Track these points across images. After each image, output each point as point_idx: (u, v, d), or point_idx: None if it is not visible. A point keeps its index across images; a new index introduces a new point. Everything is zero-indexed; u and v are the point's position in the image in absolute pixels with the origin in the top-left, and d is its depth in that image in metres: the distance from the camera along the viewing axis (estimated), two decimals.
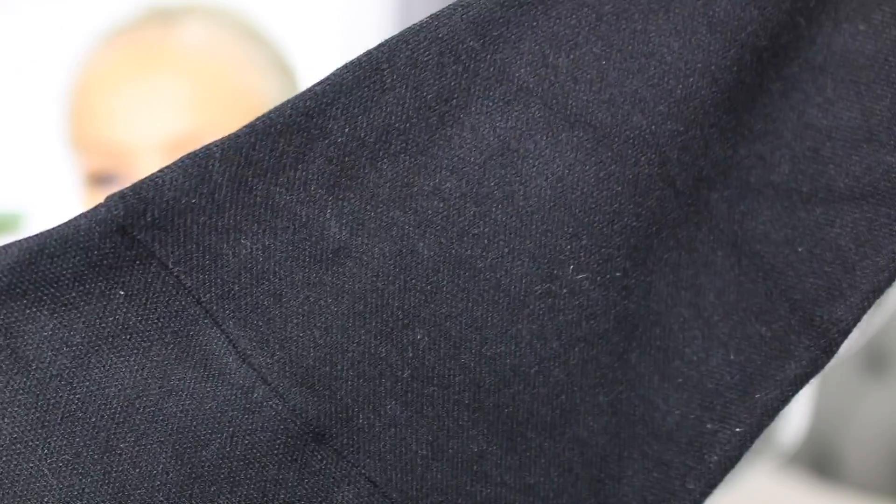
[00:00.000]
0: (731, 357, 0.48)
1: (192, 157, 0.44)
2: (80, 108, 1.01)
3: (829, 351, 0.47)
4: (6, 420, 0.44)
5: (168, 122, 0.96)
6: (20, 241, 0.44)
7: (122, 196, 0.44)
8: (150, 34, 1.00)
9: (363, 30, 1.88)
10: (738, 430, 0.47)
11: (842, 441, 1.63)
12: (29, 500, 0.44)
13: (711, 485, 0.47)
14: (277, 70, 1.03)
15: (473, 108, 0.46)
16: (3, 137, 1.77)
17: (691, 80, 0.46)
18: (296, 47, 1.10)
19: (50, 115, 1.74)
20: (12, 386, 0.44)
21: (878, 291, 0.47)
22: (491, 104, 0.46)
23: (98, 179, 0.99)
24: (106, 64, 1.00)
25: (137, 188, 0.44)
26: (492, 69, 0.46)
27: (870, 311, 0.59)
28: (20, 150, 1.78)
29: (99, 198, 1.01)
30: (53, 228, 0.44)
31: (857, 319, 0.47)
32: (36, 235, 0.44)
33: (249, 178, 0.45)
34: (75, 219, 0.44)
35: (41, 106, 1.75)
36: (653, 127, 0.46)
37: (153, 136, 0.96)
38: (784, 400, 0.47)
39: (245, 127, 0.45)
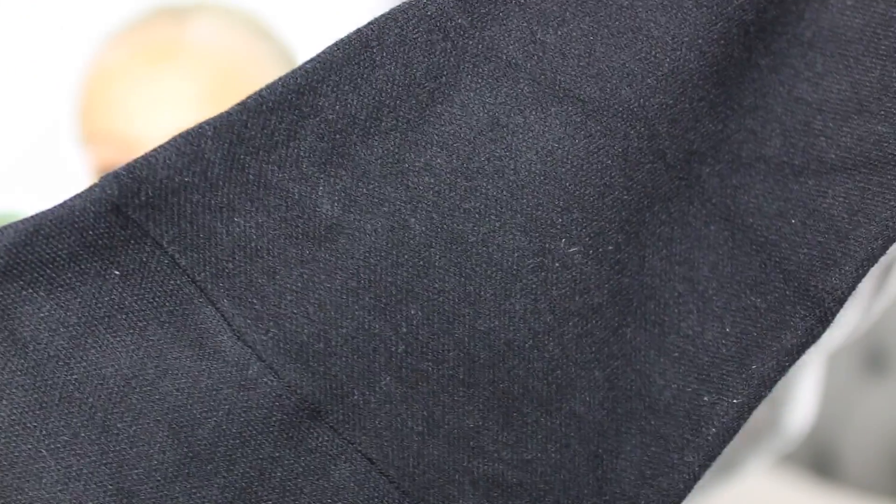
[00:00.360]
0: (727, 329, 0.48)
1: (185, 135, 0.45)
2: (92, 101, 1.02)
3: (825, 320, 0.47)
4: (4, 402, 0.44)
5: (179, 116, 0.97)
6: (16, 223, 0.44)
7: (115, 176, 0.44)
8: (161, 29, 1.01)
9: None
10: (735, 401, 0.47)
11: (841, 441, 1.62)
12: (28, 481, 0.44)
13: (710, 457, 0.47)
14: (285, 66, 1.04)
15: (463, 85, 0.46)
16: (3, 137, 1.78)
17: (678, 53, 0.47)
18: (298, 45, 1.11)
19: (51, 114, 1.74)
20: (10, 368, 0.44)
21: (871, 259, 0.47)
22: (480, 80, 0.46)
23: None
24: (117, 58, 1.01)
25: (131, 167, 0.44)
26: (480, 46, 0.46)
27: (872, 297, 0.60)
28: (20, 150, 1.78)
29: None
30: (48, 210, 0.44)
31: (852, 288, 0.47)
32: (31, 217, 0.44)
33: (242, 156, 0.45)
34: (70, 200, 0.44)
35: (42, 105, 1.75)
36: (641, 100, 0.46)
37: (164, 130, 0.97)
38: (781, 370, 0.48)
39: (237, 105, 0.45)
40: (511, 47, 0.46)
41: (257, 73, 1.01)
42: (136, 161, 0.45)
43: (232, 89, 0.99)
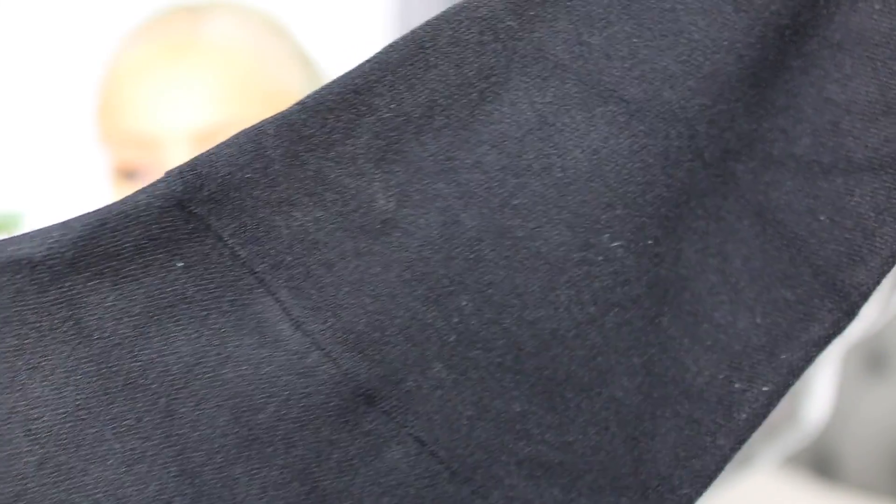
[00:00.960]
0: (758, 320, 0.50)
1: (247, 133, 0.47)
2: (109, 101, 1.02)
3: (851, 313, 0.50)
4: (70, 388, 0.46)
5: (196, 114, 0.97)
6: (83, 215, 0.46)
7: (180, 172, 0.46)
8: (178, 28, 1.01)
9: (365, 25, 1.90)
10: (765, 389, 0.50)
11: (842, 441, 1.64)
12: (93, 462, 0.46)
13: (740, 441, 0.50)
14: (300, 64, 1.04)
15: (512, 85, 0.49)
16: (3, 137, 1.79)
17: (718, 56, 0.49)
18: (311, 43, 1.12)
19: (51, 114, 1.75)
20: (76, 355, 0.46)
21: None
22: (528, 80, 0.49)
23: (126, 172, 1.00)
24: (135, 57, 1.01)
25: (194, 164, 0.46)
26: (529, 47, 0.49)
27: (891, 293, 0.62)
28: (20, 150, 1.79)
29: (126, 190, 1.02)
30: (114, 204, 0.46)
31: (877, 283, 0.49)
32: (97, 210, 0.46)
33: (301, 153, 0.47)
34: (135, 194, 0.46)
35: (42, 105, 1.76)
36: (682, 101, 0.49)
37: (181, 128, 0.97)
38: (808, 360, 0.50)
39: (296, 104, 0.47)
40: (558, 48, 0.49)
41: (274, 71, 1.01)
42: (199, 158, 0.47)
43: (249, 87, 0.99)
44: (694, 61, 0.49)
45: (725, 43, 0.49)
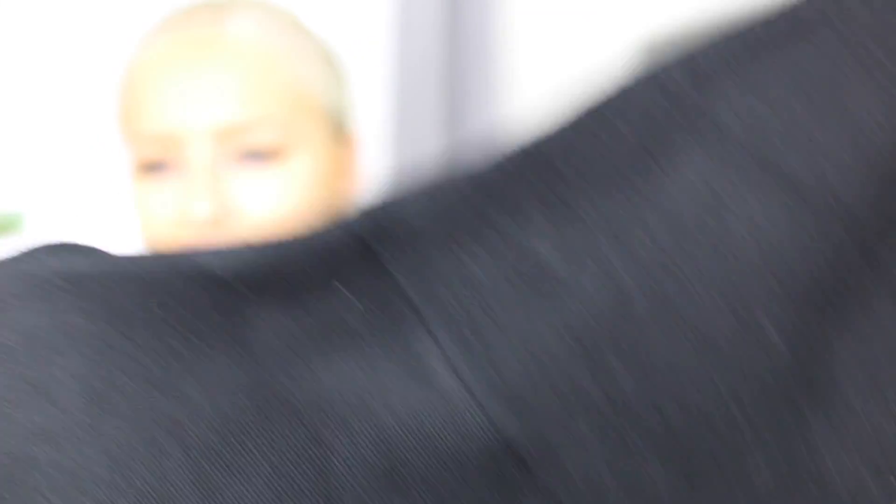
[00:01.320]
0: None
1: (433, 182, 0.48)
2: (131, 98, 1.02)
3: None
4: (224, 398, 0.47)
5: (219, 110, 0.97)
6: (271, 242, 0.48)
7: (365, 212, 0.48)
8: (199, 24, 1.01)
9: (365, 26, 1.88)
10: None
11: None
12: (237, 477, 0.47)
13: None
14: (322, 62, 1.04)
15: (685, 154, 0.49)
16: (3, 137, 1.80)
17: (880, 138, 0.49)
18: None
19: (51, 114, 1.77)
20: (234, 369, 0.48)
21: None
22: (701, 150, 0.49)
23: (148, 166, 1.00)
24: (157, 56, 1.01)
25: (380, 206, 0.48)
26: (703, 117, 0.50)
27: None
28: (20, 150, 1.80)
29: (148, 184, 1.04)
30: (305, 235, 0.48)
31: None
32: (287, 240, 0.48)
33: (476, 201, 0.48)
34: (328, 228, 0.48)
35: (42, 105, 1.78)
36: (845, 185, 0.49)
37: (205, 125, 0.97)
38: None
39: (490, 162, 0.49)
40: (729, 118, 0.49)
41: (296, 68, 1.01)
42: (384, 201, 0.48)
43: (271, 84, 0.99)
44: (858, 143, 0.49)
45: (888, 125, 0.49)
